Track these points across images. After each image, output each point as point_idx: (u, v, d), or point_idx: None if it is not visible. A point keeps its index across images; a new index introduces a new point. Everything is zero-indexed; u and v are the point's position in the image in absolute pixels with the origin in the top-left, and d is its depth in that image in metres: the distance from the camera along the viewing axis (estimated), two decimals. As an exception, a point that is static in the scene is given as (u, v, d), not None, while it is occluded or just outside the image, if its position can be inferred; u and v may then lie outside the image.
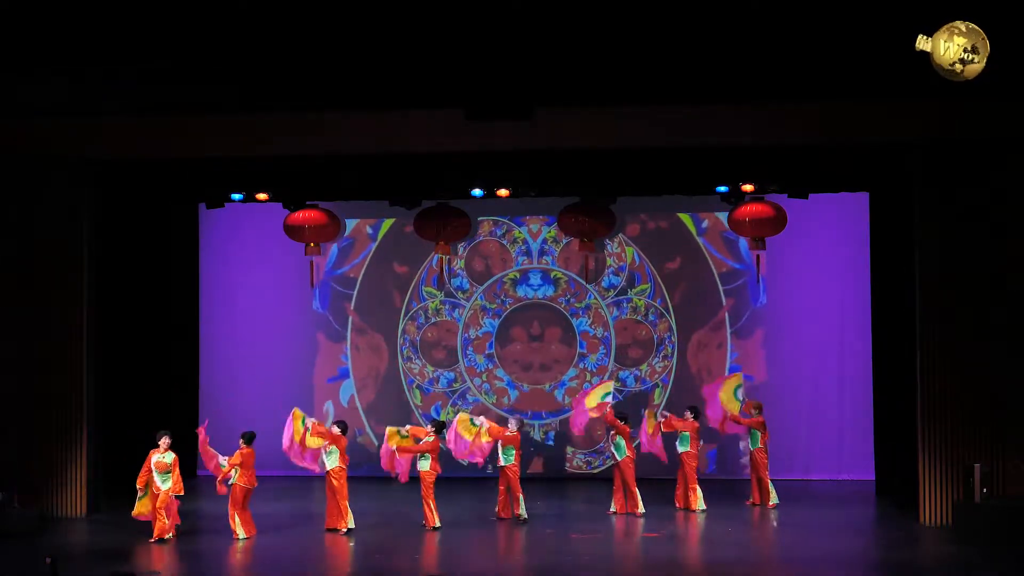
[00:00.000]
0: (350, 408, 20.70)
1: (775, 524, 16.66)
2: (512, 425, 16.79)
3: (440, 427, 16.49)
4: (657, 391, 20.28)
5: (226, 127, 16.26)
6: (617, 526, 16.50)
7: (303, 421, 15.93)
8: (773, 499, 17.62)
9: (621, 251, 20.32)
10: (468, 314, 20.56)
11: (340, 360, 20.82)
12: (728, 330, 20.11)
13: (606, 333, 20.38)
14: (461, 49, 14.97)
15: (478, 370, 20.58)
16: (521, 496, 16.58)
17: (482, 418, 16.75)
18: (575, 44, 15.00)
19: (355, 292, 20.70)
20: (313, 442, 15.86)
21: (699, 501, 17.23)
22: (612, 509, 17.05)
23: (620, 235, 20.19)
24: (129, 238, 18.86)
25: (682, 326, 20.25)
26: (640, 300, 20.27)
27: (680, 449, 17.44)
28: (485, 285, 20.54)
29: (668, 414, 17.58)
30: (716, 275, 20.12)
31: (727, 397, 17.69)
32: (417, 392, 20.63)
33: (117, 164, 17.20)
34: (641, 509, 16.87)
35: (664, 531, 16.06)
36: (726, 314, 20.09)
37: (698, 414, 17.73)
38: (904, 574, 13.92)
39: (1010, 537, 14.78)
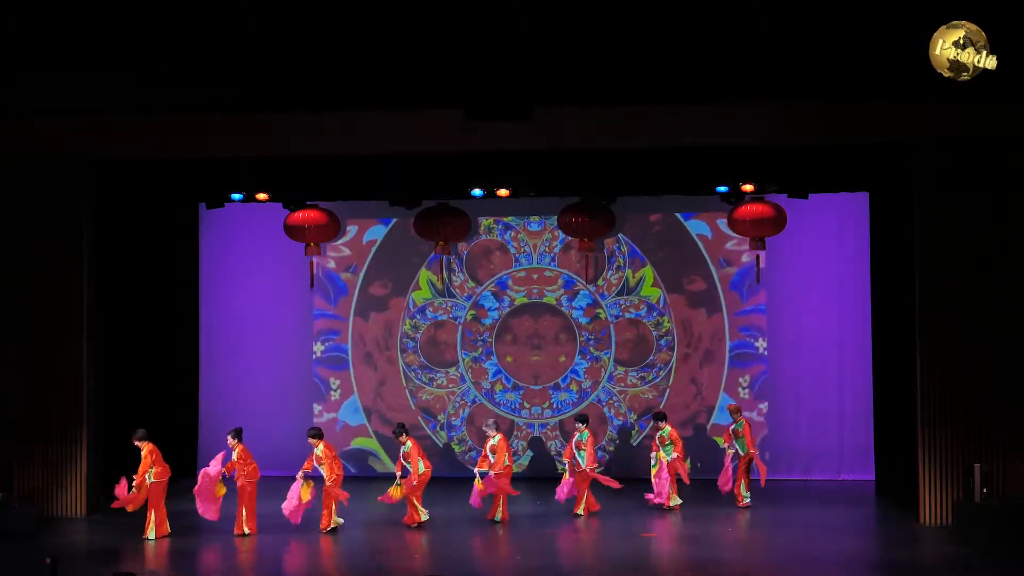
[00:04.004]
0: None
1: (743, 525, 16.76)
2: (491, 430, 16.90)
3: (404, 430, 16.60)
4: (632, 433, 20.13)
5: (226, 127, 16.26)
6: (614, 526, 16.51)
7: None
8: (747, 499, 17.65)
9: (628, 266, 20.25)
10: (470, 373, 20.46)
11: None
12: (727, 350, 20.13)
13: (587, 390, 20.21)
14: (461, 49, 14.98)
15: (517, 403, 20.45)
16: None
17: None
18: (575, 44, 15.01)
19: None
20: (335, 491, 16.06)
21: (675, 499, 17.38)
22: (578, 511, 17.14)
23: (651, 268, 20.11)
24: (129, 238, 18.84)
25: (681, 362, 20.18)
26: (667, 323, 20.22)
27: (666, 457, 17.41)
28: (459, 334, 20.43)
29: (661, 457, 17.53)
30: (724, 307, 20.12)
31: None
32: (443, 433, 20.46)
33: (117, 164, 17.21)
34: (580, 511, 16.98)
35: (662, 531, 16.06)
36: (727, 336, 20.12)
37: (665, 417, 17.76)
38: (904, 574, 13.94)
39: (1010, 537, 14.78)
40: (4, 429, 16.75)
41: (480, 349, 20.43)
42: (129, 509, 15.75)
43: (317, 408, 20.54)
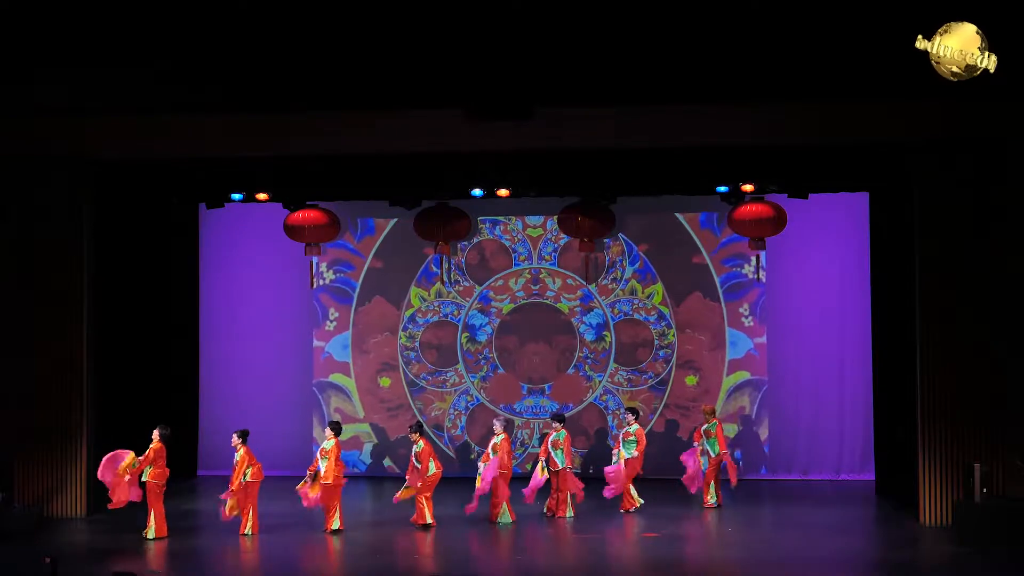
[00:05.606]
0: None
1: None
2: (498, 427, 16.82)
3: (420, 428, 16.55)
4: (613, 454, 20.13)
5: (226, 127, 16.26)
6: (615, 527, 16.51)
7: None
8: (712, 500, 17.56)
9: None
10: (483, 393, 20.40)
11: None
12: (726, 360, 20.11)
13: (569, 403, 20.25)
14: (461, 49, 14.99)
15: (538, 407, 20.40)
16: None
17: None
18: (575, 44, 15.02)
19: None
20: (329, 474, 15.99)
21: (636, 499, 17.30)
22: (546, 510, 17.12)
23: (662, 284, 20.07)
24: (129, 238, 18.85)
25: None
26: (671, 335, 20.21)
27: (627, 455, 17.29)
28: (459, 349, 20.42)
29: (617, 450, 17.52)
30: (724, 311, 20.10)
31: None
32: (449, 443, 20.47)
33: (117, 164, 17.20)
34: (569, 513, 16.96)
35: (663, 531, 16.06)
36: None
37: (636, 414, 17.73)
38: (904, 574, 13.93)
39: (1010, 537, 14.78)
40: (4, 429, 16.75)
41: (485, 367, 20.43)
42: (127, 499, 15.63)
43: (317, 344, 20.55)
